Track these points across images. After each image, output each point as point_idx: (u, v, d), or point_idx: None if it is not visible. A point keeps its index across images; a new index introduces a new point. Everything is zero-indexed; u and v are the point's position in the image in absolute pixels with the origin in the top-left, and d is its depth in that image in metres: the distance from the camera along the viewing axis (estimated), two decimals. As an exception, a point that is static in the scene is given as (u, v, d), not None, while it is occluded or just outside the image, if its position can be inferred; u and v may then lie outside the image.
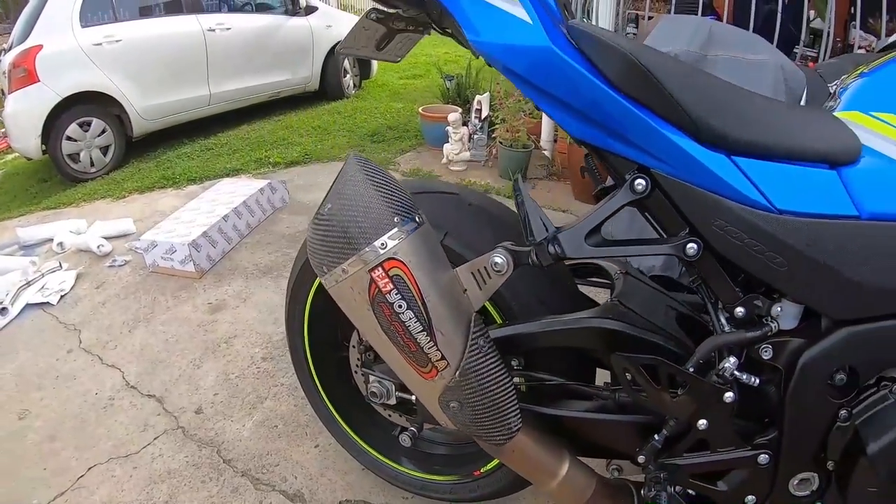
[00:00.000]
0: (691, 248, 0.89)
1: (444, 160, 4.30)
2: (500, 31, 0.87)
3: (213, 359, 2.30)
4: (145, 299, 2.73)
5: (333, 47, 6.39)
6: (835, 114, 0.99)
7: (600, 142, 0.90)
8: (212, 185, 3.69)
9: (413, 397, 1.23)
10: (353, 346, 1.42)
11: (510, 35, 0.86)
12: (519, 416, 1.03)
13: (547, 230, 0.93)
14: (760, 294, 0.92)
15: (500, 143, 3.99)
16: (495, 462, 1.38)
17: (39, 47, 4.43)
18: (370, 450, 1.60)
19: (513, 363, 1.14)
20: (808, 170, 0.85)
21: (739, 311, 0.93)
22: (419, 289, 0.93)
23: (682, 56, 2.00)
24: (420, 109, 4.86)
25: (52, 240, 3.24)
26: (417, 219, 0.97)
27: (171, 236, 2.87)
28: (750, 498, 1.03)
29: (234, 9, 5.76)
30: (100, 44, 4.66)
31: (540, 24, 0.85)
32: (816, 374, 0.90)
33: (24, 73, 4.40)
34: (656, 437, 1.02)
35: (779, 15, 3.56)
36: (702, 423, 0.97)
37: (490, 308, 1.19)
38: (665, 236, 0.97)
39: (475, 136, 4.37)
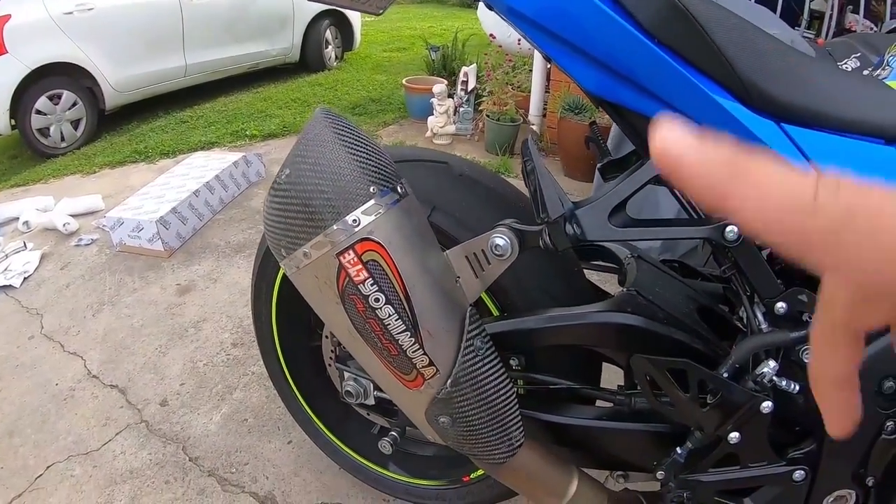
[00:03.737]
0: (731, 230, 0.74)
1: (429, 133, 4.15)
2: None
3: (180, 345, 2.15)
4: (111, 281, 2.57)
5: (314, 18, 6.15)
6: (887, 83, 0.85)
7: (626, 99, 0.74)
8: (184, 159, 3.50)
9: (394, 398, 1.08)
10: (326, 337, 1.26)
11: None
12: (522, 428, 0.87)
13: (563, 206, 0.76)
14: (804, 287, 0.78)
15: (487, 116, 3.83)
16: None
17: (7, 17, 4.15)
18: (348, 450, 1.46)
19: (511, 363, 0.99)
20: (865, 144, 0.70)
21: (780, 306, 0.78)
22: (401, 278, 0.75)
23: None
24: (404, 81, 4.67)
25: (17, 218, 3.09)
26: (400, 189, 0.78)
27: (138, 213, 2.69)
28: None
29: (210, -25, 5.47)
30: (71, 13, 4.38)
31: None
32: (863, 380, 0.76)
33: (-8, 45, 4.15)
34: (679, 450, 0.87)
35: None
36: (734, 435, 0.82)
37: (484, 297, 1.03)
38: (696, 216, 0.82)
39: (461, 109, 4.19)
